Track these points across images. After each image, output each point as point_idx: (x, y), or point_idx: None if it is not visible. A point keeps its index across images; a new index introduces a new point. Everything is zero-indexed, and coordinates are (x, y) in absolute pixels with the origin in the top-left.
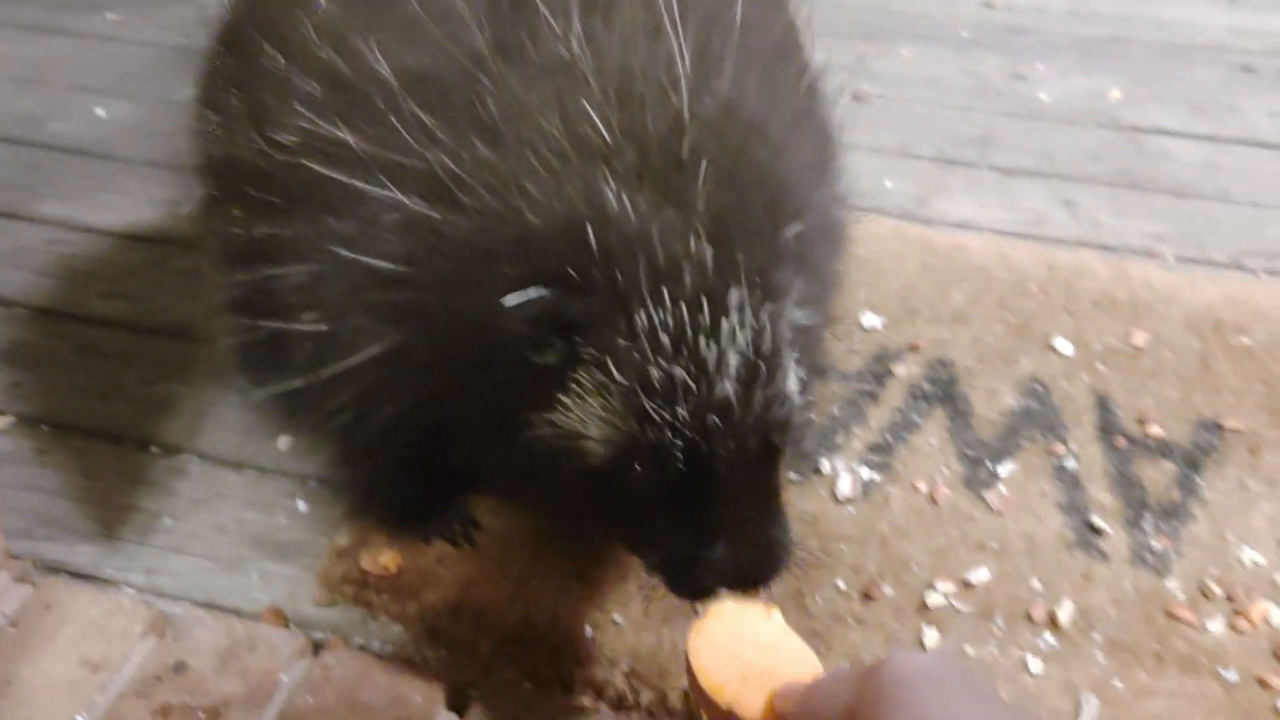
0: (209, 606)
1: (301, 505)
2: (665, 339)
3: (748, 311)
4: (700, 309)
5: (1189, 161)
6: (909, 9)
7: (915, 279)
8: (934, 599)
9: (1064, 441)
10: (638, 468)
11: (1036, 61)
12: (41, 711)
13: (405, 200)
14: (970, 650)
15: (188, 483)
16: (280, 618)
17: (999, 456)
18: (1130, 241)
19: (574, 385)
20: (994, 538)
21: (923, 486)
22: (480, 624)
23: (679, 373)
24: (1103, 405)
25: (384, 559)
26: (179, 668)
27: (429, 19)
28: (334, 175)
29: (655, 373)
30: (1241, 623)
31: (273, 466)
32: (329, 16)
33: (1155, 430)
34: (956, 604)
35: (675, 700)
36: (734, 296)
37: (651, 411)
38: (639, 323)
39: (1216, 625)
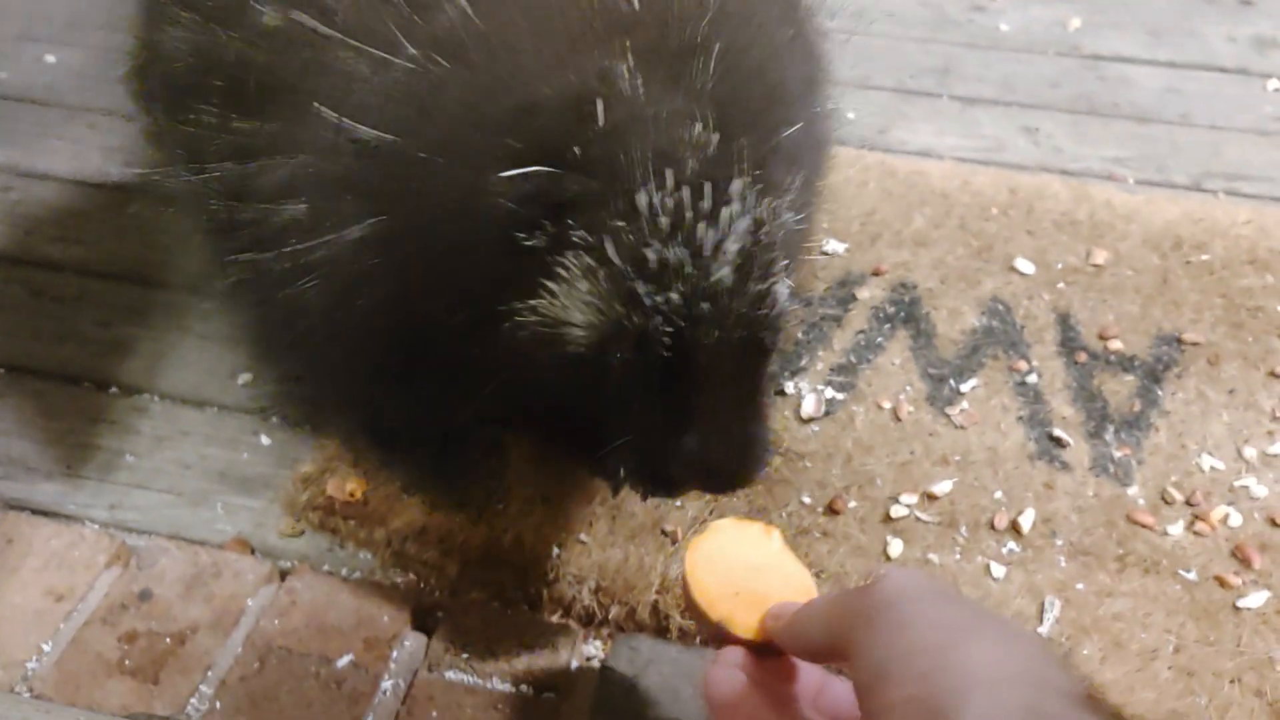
0: (174, 539)
1: (265, 440)
2: (663, 222)
3: (749, 201)
4: (701, 194)
5: (1149, 87)
6: None
7: (876, 205)
8: (898, 511)
9: (1026, 358)
10: (620, 354)
11: None
12: (7, 642)
13: (402, 60)
14: (934, 558)
15: (149, 421)
16: (246, 548)
17: (962, 374)
18: (1091, 166)
19: (560, 270)
20: (957, 451)
21: (886, 404)
22: (446, 547)
23: (674, 256)
24: (1064, 322)
25: (350, 485)
26: (144, 595)
27: None
28: (323, 53)
29: (650, 255)
30: (1201, 526)
31: (234, 404)
32: None
33: (1116, 345)
34: (920, 515)
35: (643, 614)
36: (735, 185)
37: (642, 295)
38: (638, 203)
39: (1177, 529)
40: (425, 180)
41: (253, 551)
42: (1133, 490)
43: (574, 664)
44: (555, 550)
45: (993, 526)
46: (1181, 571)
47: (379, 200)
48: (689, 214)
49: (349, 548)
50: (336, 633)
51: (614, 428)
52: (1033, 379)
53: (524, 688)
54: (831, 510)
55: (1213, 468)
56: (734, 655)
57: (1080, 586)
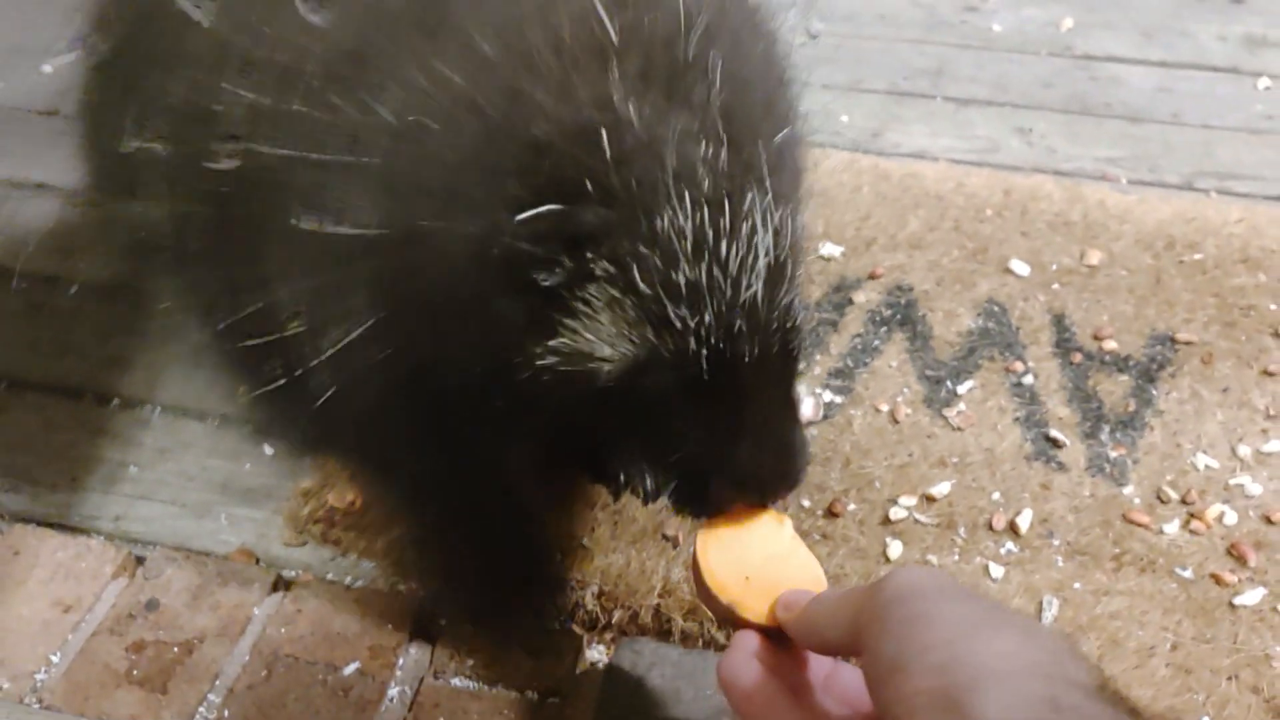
0: (179, 550)
1: (267, 449)
2: (687, 243)
3: (768, 212)
4: (721, 210)
5: (1141, 87)
6: None
7: (871, 208)
8: (897, 513)
9: (1022, 359)
10: (654, 381)
11: None
12: (15, 653)
13: (375, 144)
14: (933, 559)
15: (151, 433)
16: (251, 558)
17: (958, 376)
18: (1085, 166)
19: (580, 304)
20: (954, 453)
21: (884, 407)
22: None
23: (703, 276)
24: (1059, 323)
25: (350, 495)
26: (151, 605)
27: None
28: (289, 175)
29: (679, 278)
30: (1196, 524)
31: (235, 415)
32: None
33: (1110, 345)
34: (919, 517)
35: (646, 617)
36: (751, 198)
37: (675, 319)
38: (659, 227)
39: (1172, 528)
40: (427, 251)
41: (257, 561)
42: (1128, 490)
43: (578, 668)
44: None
45: (991, 527)
46: (1177, 570)
47: (380, 290)
48: (711, 232)
49: (352, 557)
50: (342, 640)
51: (645, 453)
52: (1029, 380)
53: (529, 693)
54: (831, 513)
55: (1207, 466)
56: (749, 641)
57: (1077, 586)
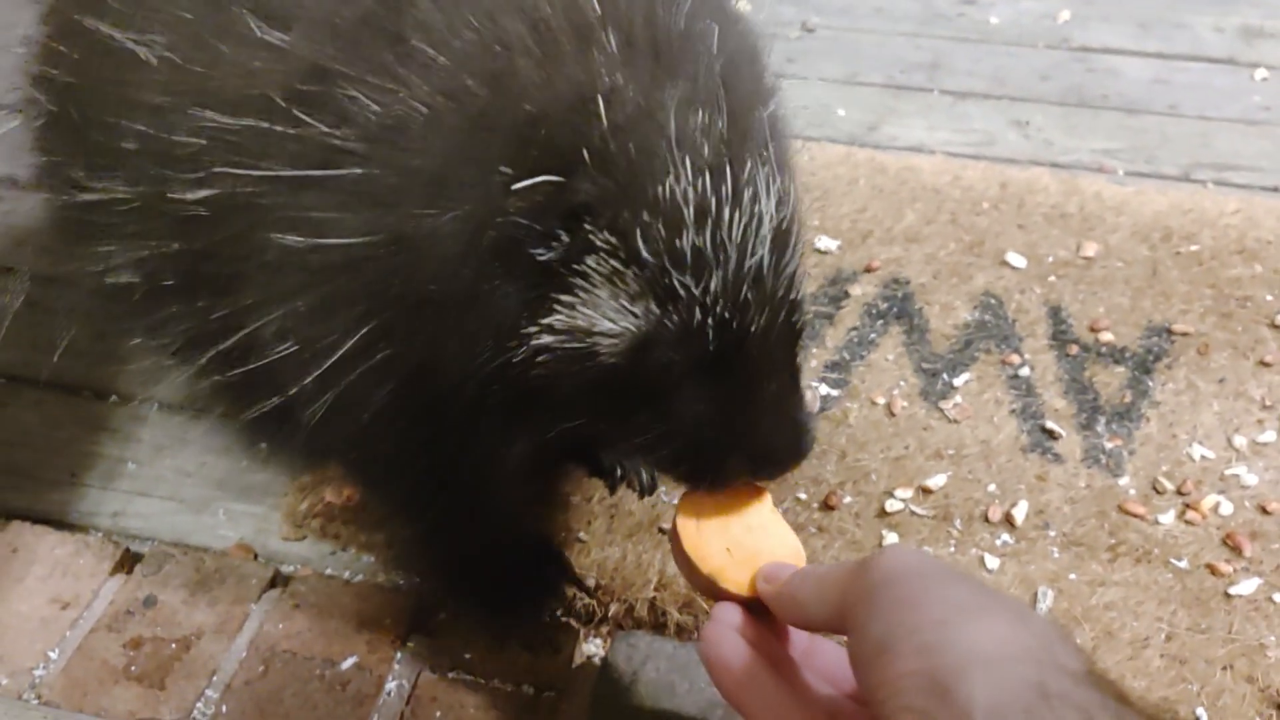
0: (177, 545)
1: (264, 445)
2: (690, 210)
3: (770, 178)
4: (723, 177)
5: (1138, 78)
6: None
7: (867, 202)
8: (893, 505)
9: (1018, 351)
10: (659, 357)
11: None
12: (14, 650)
13: (355, 137)
14: (929, 551)
15: (149, 429)
16: (249, 553)
17: (955, 368)
18: (1082, 158)
19: (579, 279)
20: (951, 445)
21: (880, 400)
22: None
23: (708, 243)
24: (1055, 315)
25: (347, 490)
26: (149, 602)
27: None
28: (261, 196)
29: (683, 245)
30: (1192, 515)
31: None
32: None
33: (1107, 336)
34: (915, 509)
35: (641, 611)
36: (751, 164)
37: (679, 287)
38: (661, 194)
39: (1168, 518)
40: (416, 248)
41: (255, 556)
42: (1124, 480)
43: (574, 662)
44: (555, 549)
45: (987, 519)
46: (1173, 560)
47: (370, 298)
48: (714, 199)
49: (350, 551)
50: (340, 635)
51: (648, 434)
52: (1025, 372)
53: (525, 686)
54: (827, 506)
55: (1203, 457)
56: (729, 613)
57: (1073, 576)
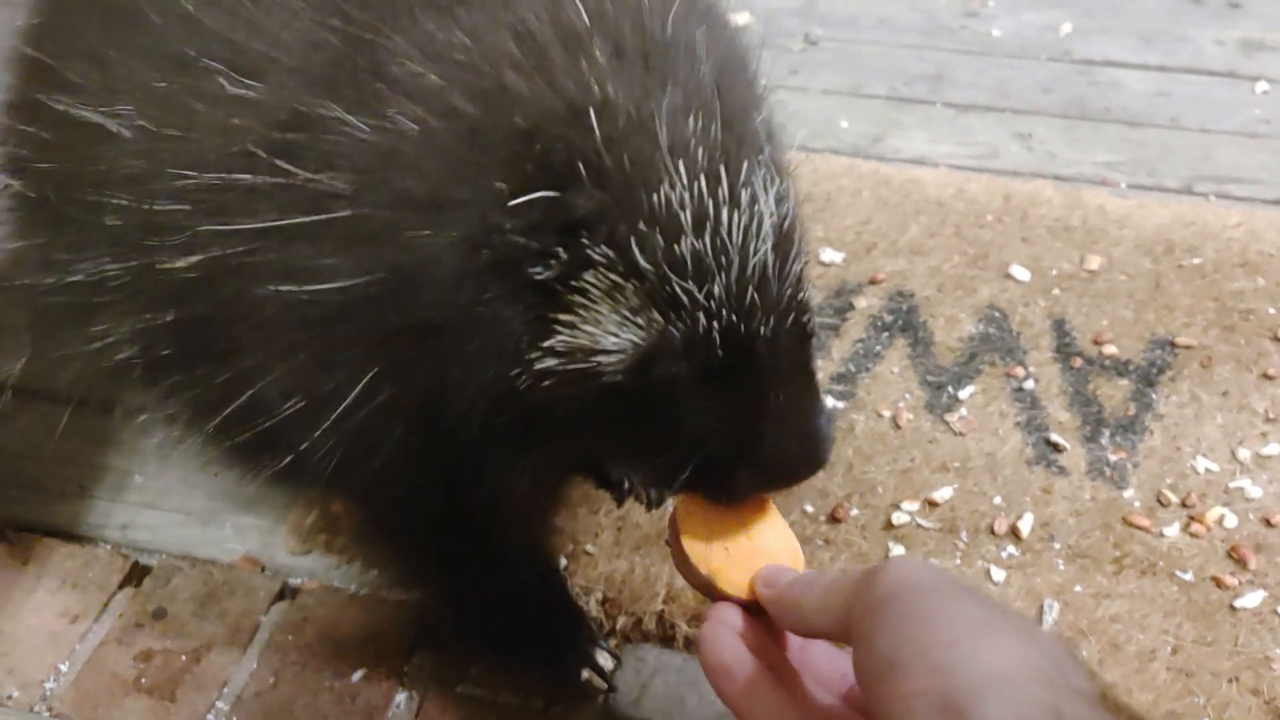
0: (185, 557)
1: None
2: (687, 217)
3: (767, 180)
4: (719, 181)
5: (1139, 91)
6: None
7: (871, 214)
8: (899, 518)
9: (1022, 364)
10: (666, 367)
11: None
12: (24, 663)
13: (342, 180)
14: (935, 563)
15: (155, 442)
16: (256, 565)
17: (960, 381)
18: (1084, 171)
19: (579, 296)
20: (956, 458)
21: (886, 412)
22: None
23: (708, 246)
24: (1059, 328)
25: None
26: (158, 614)
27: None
28: (250, 256)
29: (683, 250)
30: (1197, 527)
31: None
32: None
33: (1110, 349)
34: (921, 521)
35: (650, 624)
36: (748, 166)
37: (682, 294)
38: (657, 203)
39: (1172, 531)
40: (413, 278)
41: (263, 569)
42: (1128, 493)
43: (583, 675)
44: (563, 562)
45: (992, 531)
46: (1178, 573)
47: (372, 339)
48: (711, 202)
49: (357, 564)
50: (349, 647)
51: (661, 448)
52: (1029, 385)
53: (533, 700)
54: (833, 518)
55: (1207, 469)
56: (728, 614)
57: (1078, 589)
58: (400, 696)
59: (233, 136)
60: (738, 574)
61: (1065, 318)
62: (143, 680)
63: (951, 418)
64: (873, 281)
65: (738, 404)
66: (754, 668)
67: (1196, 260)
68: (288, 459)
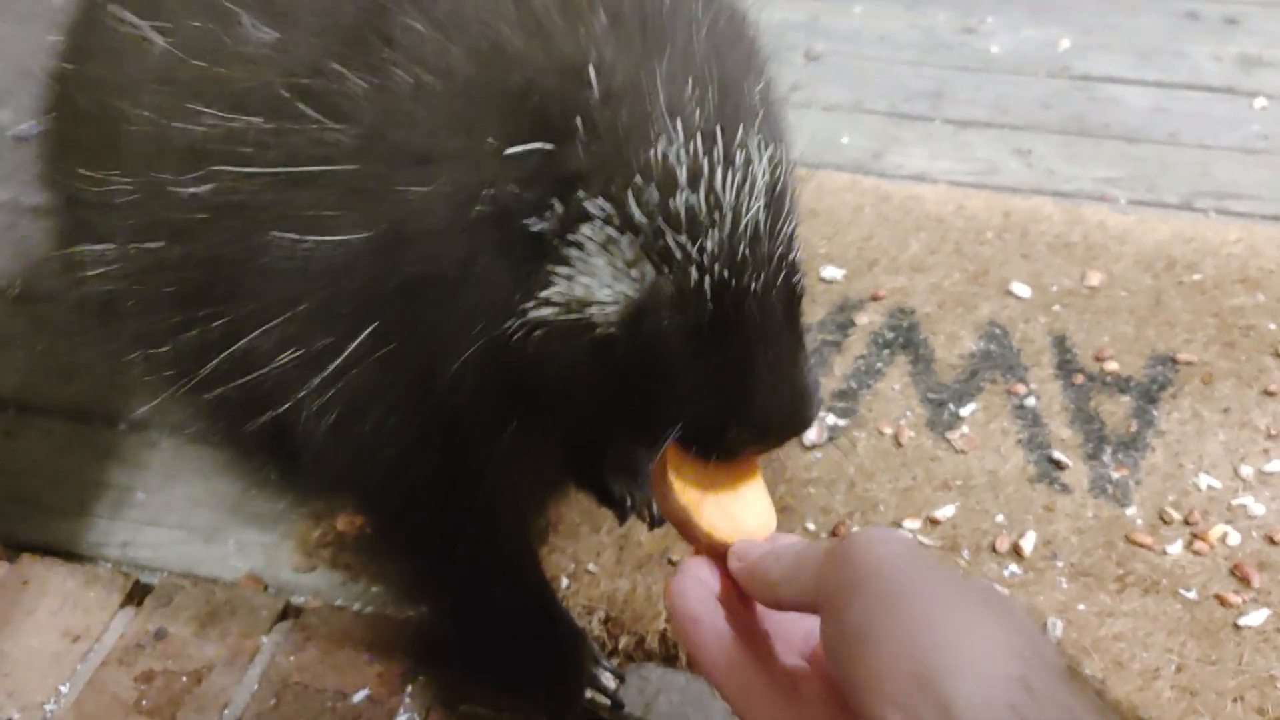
0: (187, 576)
1: (274, 474)
2: (682, 173)
3: (761, 142)
4: (714, 141)
5: (1138, 107)
6: None
7: (872, 230)
8: None
9: (1024, 381)
10: (658, 320)
11: (986, 14)
12: (25, 684)
13: (351, 131)
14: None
15: (158, 457)
16: (259, 584)
17: (961, 398)
18: (1084, 187)
19: (574, 249)
20: (958, 475)
21: (888, 430)
22: None
23: (702, 201)
24: (1060, 344)
25: (359, 519)
26: (159, 634)
27: None
28: (256, 196)
29: (677, 205)
30: (1200, 545)
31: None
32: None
33: (1112, 366)
34: (923, 539)
35: (653, 643)
36: (742, 130)
37: (675, 247)
38: (653, 158)
39: (1176, 548)
40: (411, 232)
41: (266, 587)
42: (1131, 510)
43: (587, 695)
44: (565, 581)
45: (994, 549)
46: (1181, 591)
47: (370, 295)
48: (706, 161)
49: (361, 582)
50: (351, 667)
51: (654, 407)
52: (1031, 402)
53: (537, 719)
54: (835, 536)
55: (1210, 487)
56: (699, 568)
57: (1081, 607)
58: (402, 717)
59: (254, 75)
60: (717, 517)
61: (1066, 334)
62: (144, 702)
63: (953, 435)
64: (874, 298)
65: (728, 360)
66: (721, 620)
67: (1197, 276)
68: (274, 412)
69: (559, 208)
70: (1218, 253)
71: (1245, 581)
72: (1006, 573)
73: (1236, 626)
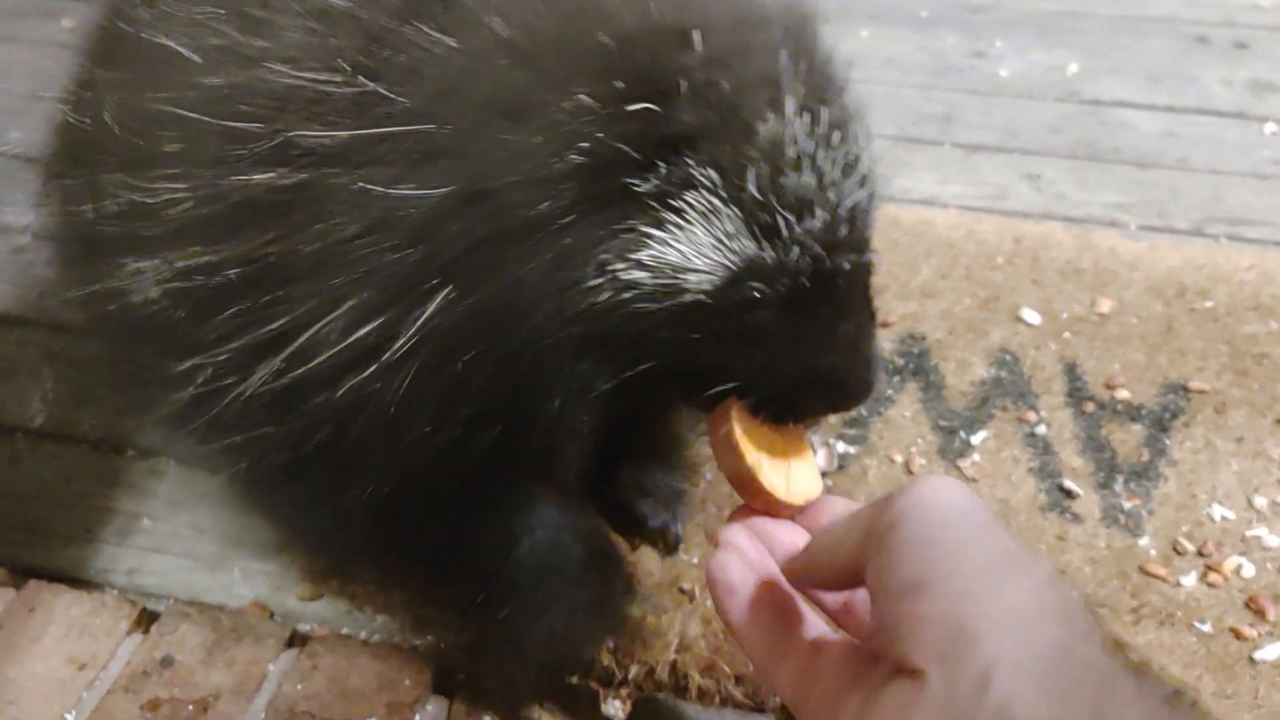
0: (193, 603)
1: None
2: (792, 150)
3: (854, 121)
4: (818, 118)
5: (1148, 132)
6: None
7: (883, 255)
8: None
9: (1035, 409)
10: (751, 291)
11: (995, 38)
12: (31, 712)
13: (423, 93)
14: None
15: (165, 484)
16: (265, 612)
17: (972, 426)
18: (1094, 212)
19: (673, 214)
20: None
21: (898, 458)
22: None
23: (813, 182)
24: (1071, 372)
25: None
26: (166, 662)
27: None
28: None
29: (788, 184)
30: (1214, 577)
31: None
32: None
33: (1123, 394)
34: None
35: (662, 673)
36: (838, 109)
37: (781, 226)
38: (762, 132)
39: (1190, 580)
40: (493, 188)
41: (272, 615)
42: (1144, 541)
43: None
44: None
45: None
46: (1196, 624)
47: (448, 255)
48: (811, 140)
49: (367, 610)
50: (359, 697)
51: (731, 369)
52: (1042, 430)
53: None
54: None
55: (1223, 517)
56: (738, 536)
57: None
58: None
59: (324, 45)
60: (776, 478)
61: (1077, 361)
62: None
63: (964, 463)
64: (884, 324)
65: (813, 331)
66: (756, 590)
67: (1209, 303)
68: (323, 400)
69: (663, 170)
70: (1230, 280)
71: (1260, 614)
72: None
73: (1252, 660)
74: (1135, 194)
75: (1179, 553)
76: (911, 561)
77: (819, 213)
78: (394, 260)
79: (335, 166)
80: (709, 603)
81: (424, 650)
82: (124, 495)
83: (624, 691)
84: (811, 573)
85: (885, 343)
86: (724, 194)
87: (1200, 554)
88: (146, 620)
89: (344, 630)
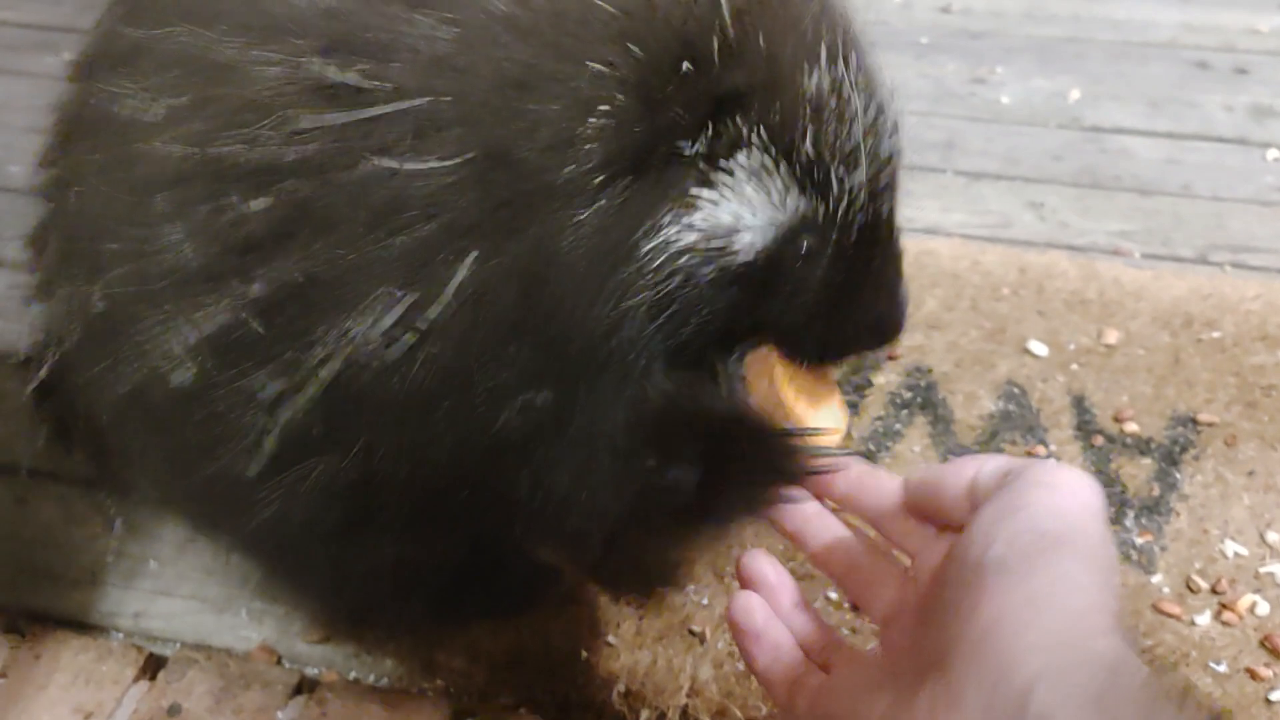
0: (200, 647)
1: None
2: (836, 102)
3: (877, 72)
4: (850, 70)
5: (1150, 159)
6: (866, 17)
7: None
8: None
9: (1044, 443)
10: (805, 246)
11: (996, 65)
12: None
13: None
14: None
15: (171, 526)
16: (272, 655)
17: None
18: (1097, 240)
19: (724, 174)
20: None
21: None
22: (474, 652)
23: (861, 134)
24: (1079, 404)
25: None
26: (173, 710)
27: None
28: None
29: (838, 137)
30: (1229, 615)
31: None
32: None
33: (1132, 427)
34: None
35: (674, 718)
36: (864, 59)
37: (834, 180)
38: (808, 86)
39: (1204, 619)
40: (514, 146)
41: (279, 659)
42: (1157, 578)
43: None
44: (583, 653)
45: None
46: (1211, 664)
47: (471, 220)
48: (851, 92)
49: (376, 654)
50: None
51: (778, 315)
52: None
53: None
54: (856, 607)
55: (1236, 553)
56: (765, 567)
57: None
58: None
59: (290, 43)
60: (809, 414)
61: (1085, 394)
62: None
63: None
64: (891, 357)
65: (858, 277)
66: (779, 633)
67: (1215, 334)
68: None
69: (710, 131)
70: (1236, 309)
71: (1276, 654)
72: None
73: (1268, 701)
74: (1138, 221)
75: (1193, 590)
76: (1007, 542)
77: (864, 162)
78: (412, 240)
79: (336, 166)
80: (720, 645)
81: (432, 695)
82: (130, 538)
83: None
84: (926, 491)
85: (892, 375)
86: (774, 151)
87: (1214, 591)
88: (153, 666)
89: (352, 674)
